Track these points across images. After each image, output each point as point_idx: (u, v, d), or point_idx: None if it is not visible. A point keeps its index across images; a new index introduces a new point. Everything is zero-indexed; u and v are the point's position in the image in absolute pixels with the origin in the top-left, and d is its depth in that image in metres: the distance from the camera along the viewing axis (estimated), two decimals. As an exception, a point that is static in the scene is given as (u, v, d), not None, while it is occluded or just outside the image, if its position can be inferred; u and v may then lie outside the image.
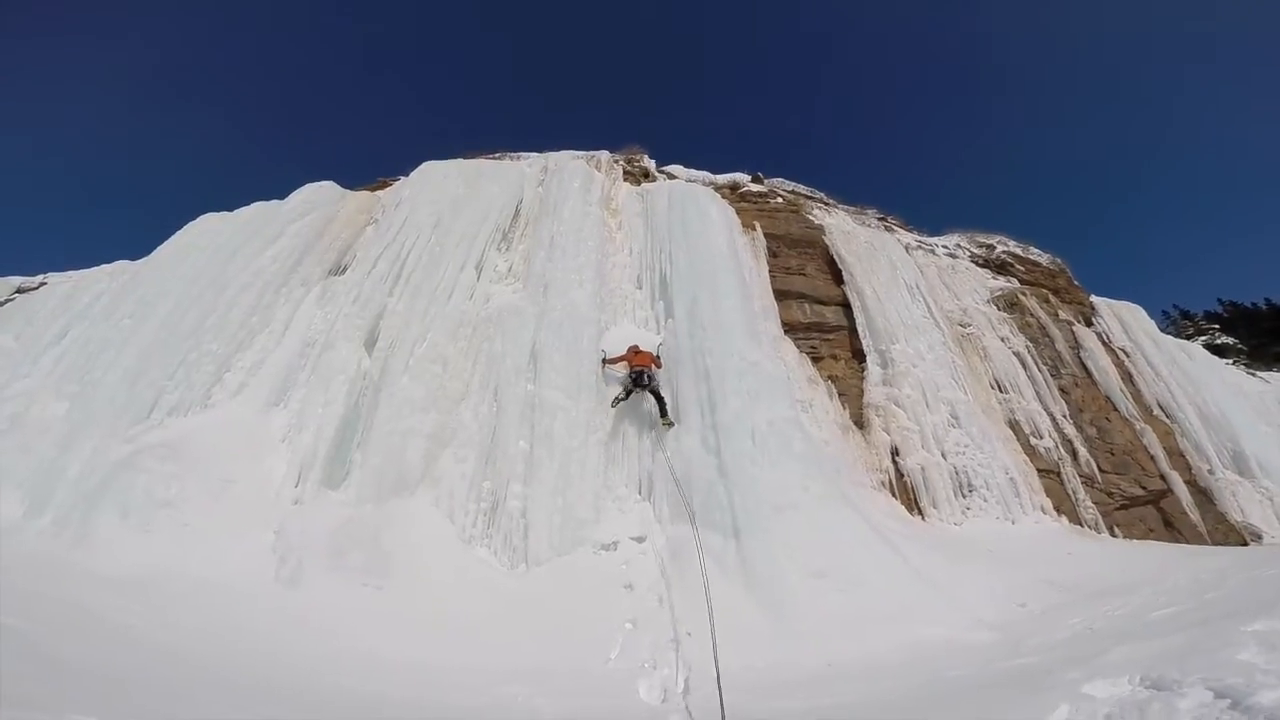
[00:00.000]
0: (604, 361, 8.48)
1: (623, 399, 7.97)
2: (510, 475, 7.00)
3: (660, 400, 7.98)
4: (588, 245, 10.32)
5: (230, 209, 11.52)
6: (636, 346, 8.45)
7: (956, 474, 9.62)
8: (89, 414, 7.64)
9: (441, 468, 7.20)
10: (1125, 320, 15.71)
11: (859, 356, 11.58)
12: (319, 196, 11.68)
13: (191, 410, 7.89)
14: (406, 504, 6.81)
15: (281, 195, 11.73)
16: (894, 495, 9.33)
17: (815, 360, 11.40)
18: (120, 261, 13.18)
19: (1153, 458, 11.73)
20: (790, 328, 11.68)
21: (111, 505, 6.14)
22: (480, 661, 4.74)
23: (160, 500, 6.24)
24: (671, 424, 7.83)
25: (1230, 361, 21.94)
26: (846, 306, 12.32)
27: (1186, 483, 11.64)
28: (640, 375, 7.92)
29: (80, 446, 7.15)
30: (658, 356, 8.51)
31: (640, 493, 7.43)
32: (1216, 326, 34.64)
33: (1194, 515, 11.03)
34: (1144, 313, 16.43)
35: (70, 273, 14.31)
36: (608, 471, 7.48)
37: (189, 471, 6.67)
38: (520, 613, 5.63)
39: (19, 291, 14.34)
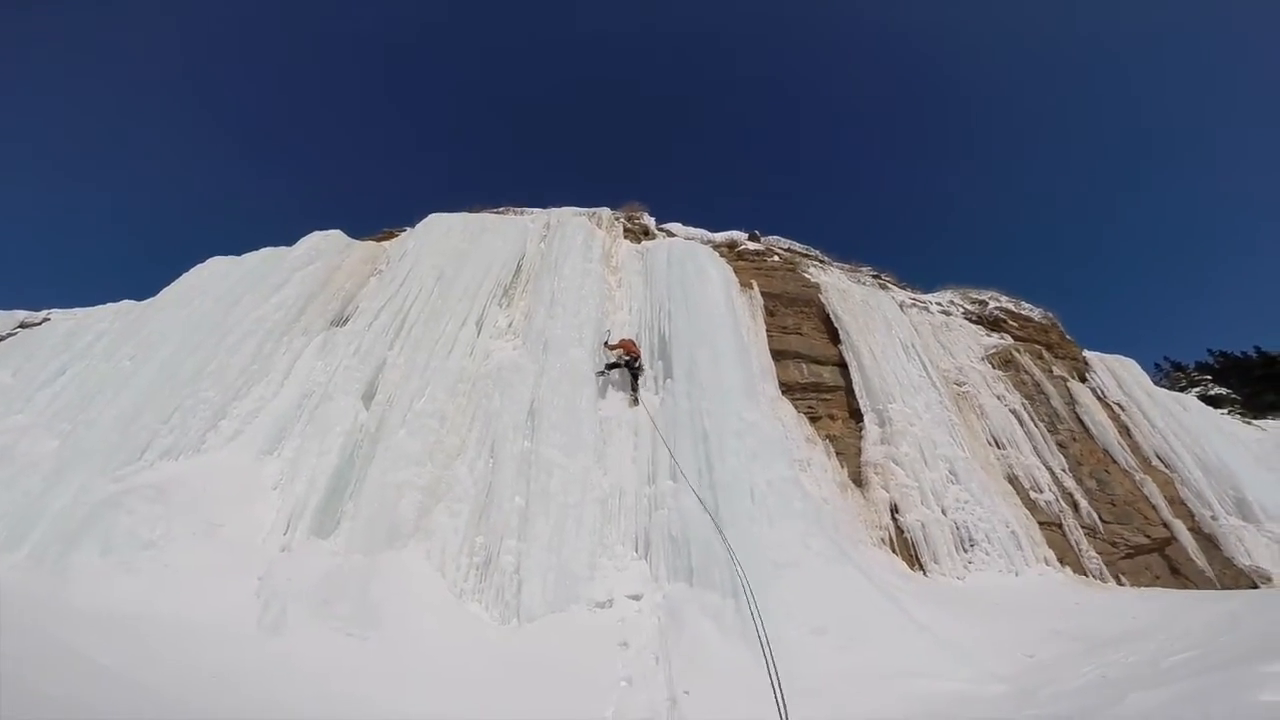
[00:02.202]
0: (605, 344, 10.09)
1: (611, 367, 9.62)
2: (504, 531, 6.92)
3: (635, 375, 9.63)
4: (588, 303, 10.52)
5: (239, 250, 11.73)
6: (632, 340, 10.18)
7: (957, 529, 9.54)
8: (79, 452, 7.60)
9: (435, 521, 7.11)
10: (1119, 374, 15.87)
11: (856, 416, 11.67)
12: (326, 245, 11.91)
13: (184, 454, 7.85)
14: (397, 556, 6.70)
15: (289, 238, 11.98)
16: (895, 551, 9.24)
17: (813, 420, 11.46)
18: (125, 301, 13.26)
19: (1154, 507, 11.72)
20: (788, 388, 11.79)
21: (93, 543, 6.09)
22: (469, 714, 4.59)
23: (144, 540, 6.19)
24: (636, 400, 9.32)
25: (1225, 411, 22.03)
26: (843, 366, 12.48)
27: (1190, 530, 11.63)
28: (633, 360, 9.71)
29: (67, 483, 7.11)
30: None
31: (637, 550, 7.32)
32: (1209, 377, 34.90)
33: (1200, 561, 11.02)
34: (1137, 366, 16.61)
35: (75, 310, 14.41)
36: (604, 529, 7.38)
37: (176, 514, 6.62)
38: (512, 668, 5.47)
39: (22, 326, 14.41)
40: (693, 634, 5.81)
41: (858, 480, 10.45)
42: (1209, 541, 11.67)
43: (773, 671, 3.97)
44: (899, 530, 9.54)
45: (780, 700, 3.61)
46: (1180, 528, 11.44)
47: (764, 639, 4.60)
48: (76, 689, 3.61)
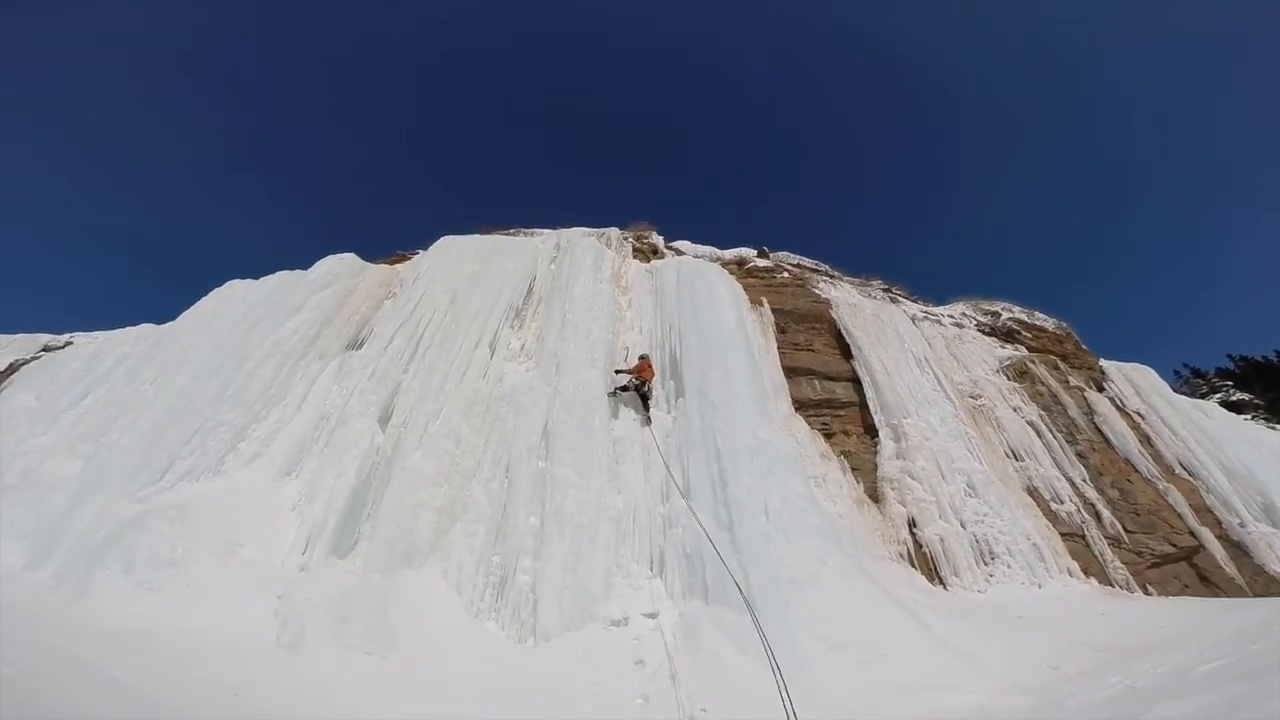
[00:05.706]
0: (617, 371, 10.02)
1: (622, 390, 9.62)
2: (520, 550, 6.95)
3: (645, 397, 9.64)
4: (599, 324, 10.60)
5: (256, 272, 11.99)
6: (647, 363, 10.01)
7: (977, 542, 9.43)
8: (101, 474, 7.74)
9: (451, 541, 7.16)
10: (1137, 383, 15.64)
11: (871, 431, 11.62)
12: (340, 268, 12.09)
13: (204, 476, 7.95)
14: (414, 575, 6.76)
15: (305, 262, 12.23)
16: (913, 566, 9.13)
17: (827, 436, 11.43)
18: (145, 325, 13.56)
19: (1180, 515, 11.47)
20: (801, 405, 11.77)
21: (115, 561, 6.16)
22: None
23: (165, 559, 6.26)
24: (648, 420, 9.39)
25: (1249, 417, 21.61)
26: (856, 381, 12.45)
27: (1218, 537, 11.36)
28: (642, 383, 9.66)
29: (89, 504, 7.22)
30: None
31: (652, 569, 7.32)
32: (1230, 383, 34.15)
33: (1230, 569, 10.75)
34: (1155, 374, 16.33)
35: (97, 333, 14.73)
36: (619, 548, 7.38)
37: (196, 534, 6.70)
38: (528, 686, 5.47)
39: (45, 349, 14.76)
40: (709, 651, 5.80)
41: (874, 495, 10.37)
42: (1238, 549, 11.39)
43: (783, 688, 3.92)
44: (917, 545, 9.44)
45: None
46: (1208, 536, 11.20)
47: (771, 655, 4.53)
48: (88, 703, 3.65)
